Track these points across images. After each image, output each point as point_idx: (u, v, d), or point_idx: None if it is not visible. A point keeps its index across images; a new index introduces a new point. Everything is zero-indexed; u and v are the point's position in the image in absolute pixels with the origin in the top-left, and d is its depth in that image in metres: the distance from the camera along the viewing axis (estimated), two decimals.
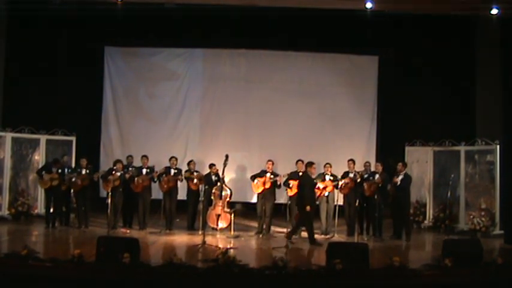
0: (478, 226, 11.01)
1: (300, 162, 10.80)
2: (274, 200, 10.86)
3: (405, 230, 10.46)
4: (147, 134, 13.40)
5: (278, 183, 10.68)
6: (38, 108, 12.83)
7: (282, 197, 11.10)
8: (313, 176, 10.21)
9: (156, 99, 13.62)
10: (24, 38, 12.70)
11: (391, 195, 10.59)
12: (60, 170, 10.89)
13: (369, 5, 10.68)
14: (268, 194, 10.72)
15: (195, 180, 10.93)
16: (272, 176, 10.71)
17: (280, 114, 13.46)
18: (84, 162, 10.97)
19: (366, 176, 10.82)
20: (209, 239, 9.49)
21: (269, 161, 10.96)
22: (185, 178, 10.95)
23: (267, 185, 10.66)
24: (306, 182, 9.90)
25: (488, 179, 11.35)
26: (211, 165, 11.06)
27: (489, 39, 12.29)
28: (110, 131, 13.56)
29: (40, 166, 11.67)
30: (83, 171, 10.85)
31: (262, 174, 10.83)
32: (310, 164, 10.08)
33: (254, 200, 11.33)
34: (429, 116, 13.00)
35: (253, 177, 10.94)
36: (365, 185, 10.57)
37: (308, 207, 9.62)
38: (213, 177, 10.90)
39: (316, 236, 10.73)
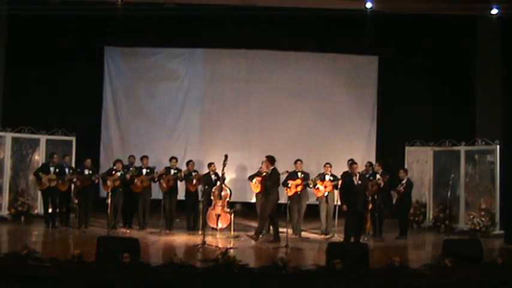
0: (478, 226, 11.01)
1: (298, 162, 10.82)
2: None
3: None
4: (147, 134, 13.39)
5: None
6: (38, 108, 12.82)
7: (282, 196, 11.11)
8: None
9: (156, 99, 13.61)
10: (24, 38, 12.69)
11: (397, 198, 10.78)
12: (57, 170, 10.89)
13: (369, 5, 10.68)
14: None
15: (194, 181, 10.93)
16: None
17: (280, 114, 13.45)
18: (88, 162, 10.99)
19: (368, 175, 10.82)
20: (209, 239, 9.48)
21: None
22: (184, 175, 10.94)
23: None
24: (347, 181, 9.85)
25: (488, 179, 11.36)
26: (210, 164, 11.06)
27: (489, 39, 12.28)
28: (110, 131, 13.54)
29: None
30: (86, 172, 10.86)
31: (259, 174, 10.83)
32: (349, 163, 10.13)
33: (254, 200, 11.32)
34: (429, 116, 12.99)
35: (251, 177, 10.94)
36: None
37: (344, 207, 9.52)
38: (213, 177, 10.90)
39: (315, 236, 10.79)
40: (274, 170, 10.18)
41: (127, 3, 11.00)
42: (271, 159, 10.20)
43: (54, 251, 8.20)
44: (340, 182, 10.08)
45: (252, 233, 10.06)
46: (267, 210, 10.05)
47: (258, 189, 10.76)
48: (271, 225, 10.36)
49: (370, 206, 10.27)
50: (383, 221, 10.55)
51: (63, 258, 7.14)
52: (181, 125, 13.60)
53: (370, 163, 11.41)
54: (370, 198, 10.19)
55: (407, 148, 12.90)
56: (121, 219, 11.02)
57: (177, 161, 11.24)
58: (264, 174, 10.40)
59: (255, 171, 11.10)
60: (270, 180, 10.09)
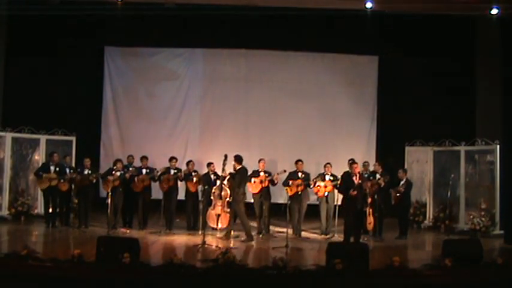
0: (478, 226, 11.01)
1: (299, 162, 10.83)
2: (270, 198, 10.87)
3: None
4: (147, 134, 13.39)
5: (275, 181, 10.69)
6: (38, 108, 12.81)
7: (282, 196, 11.12)
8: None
9: (156, 99, 13.61)
10: (24, 38, 12.70)
11: (396, 198, 10.77)
12: (58, 169, 10.90)
13: (369, 5, 10.69)
14: (265, 193, 10.74)
15: (195, 179, 10.93)
16: (267, 175, 10.72)
17: (280, 114, 13.45)
18: (88, 162, 10.99)
19: (366, 175, 10.82)
20: (209, 239, 9.49)
21: (261, 160, 10.96)
22: (184, 175, 10.94)
23: (265, 184, 10.67)
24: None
25: (488, 179, 11.36)
26: (209, 164, 11.06)
27: (489, 39, 12.29)
28: (110, 131, 13.55)
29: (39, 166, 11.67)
30: (85, 171, 10.87)
31: (256, 174, 10.82)
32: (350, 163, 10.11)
33: (252, 200, 11.30)
34: (429, 116, 12.99)
35: (249, 178, 10.92)
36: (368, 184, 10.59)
37: (354, 192, 9.34)
38: (212, 176, 10.90)
39: (315, 236, 10.79)
40: (239, 170, 10.11)
41: (127, 3, 11.00)
42: (238, 159, 10.16)
43: (54, 251, 8.19)
44: (339, 181, 10.08)
45: (244, 238, 10.01)
46: (238, 211, 10.04)
47: (257, 189, 10.75)
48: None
49: (371, 207, 10.25)
50: (383, 221, 10.55)
51: (63, 258, 7.16)
52: (181, 125, 13.60)
53: (367, 163, 11.42)
54: (370, 198, 10.18)
55: (407, 148, 12.90)
56: (121, 219, 11.02)
57: (177, 161, 11.23)
58: (228, 176, 10.39)
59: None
60: (234, 181, 10.09)
